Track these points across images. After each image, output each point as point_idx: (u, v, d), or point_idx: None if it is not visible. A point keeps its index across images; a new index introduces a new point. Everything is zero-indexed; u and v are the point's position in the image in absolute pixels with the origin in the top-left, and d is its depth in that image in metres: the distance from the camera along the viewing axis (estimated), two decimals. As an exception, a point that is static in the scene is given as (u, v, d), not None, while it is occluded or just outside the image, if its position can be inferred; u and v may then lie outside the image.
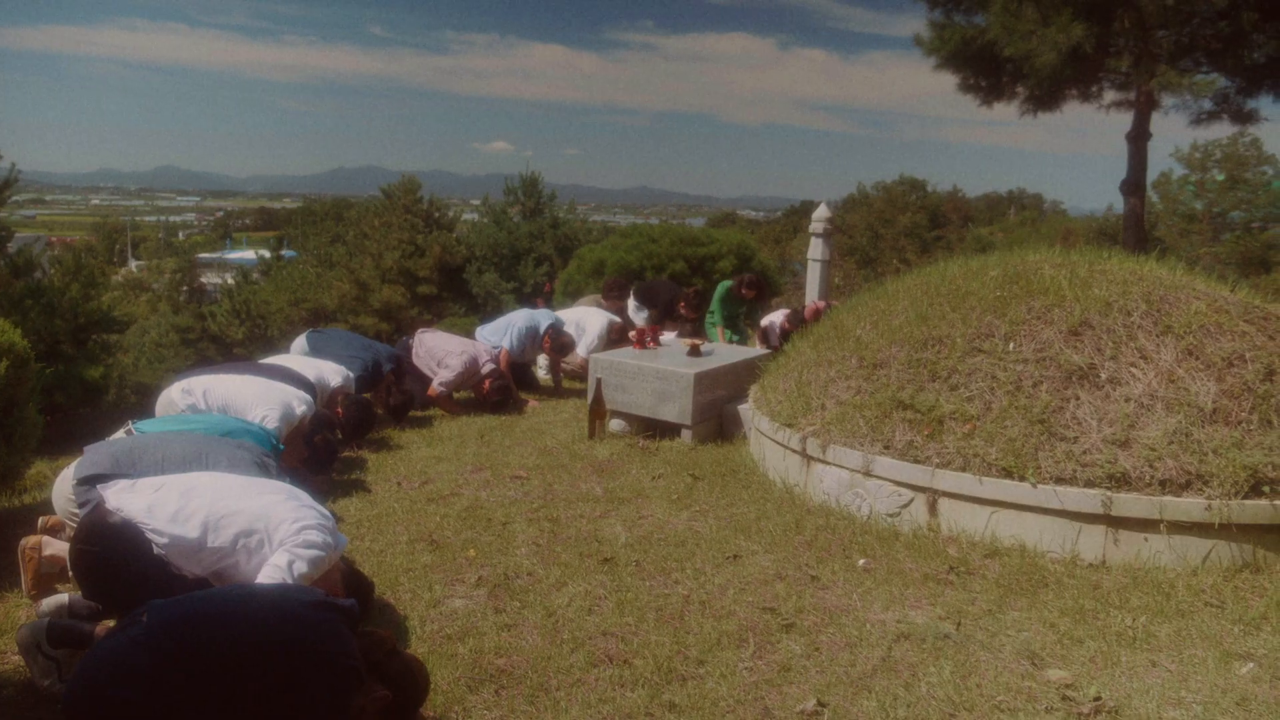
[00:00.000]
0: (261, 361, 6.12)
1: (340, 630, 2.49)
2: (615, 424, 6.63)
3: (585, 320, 8.72)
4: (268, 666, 2.34)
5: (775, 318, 9.98)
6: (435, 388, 7.27)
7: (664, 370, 6.40)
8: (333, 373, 5.99)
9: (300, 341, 6.99)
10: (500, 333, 8.01)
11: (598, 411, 6.53)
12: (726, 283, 10.14)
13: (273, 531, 3.14)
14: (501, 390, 7.36)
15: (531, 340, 8.09)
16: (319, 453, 5.16)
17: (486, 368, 7.40)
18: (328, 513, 3.36)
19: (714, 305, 9.96)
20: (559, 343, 8.08)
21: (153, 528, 3.05)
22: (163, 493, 3.16)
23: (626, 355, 6.86)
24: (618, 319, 8.80)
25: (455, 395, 7.47)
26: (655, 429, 6.50)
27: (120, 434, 4.25)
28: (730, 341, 9.78)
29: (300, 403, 4.98)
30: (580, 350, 8.49)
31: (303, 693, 2.35)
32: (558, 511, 4.88)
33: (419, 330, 7.86)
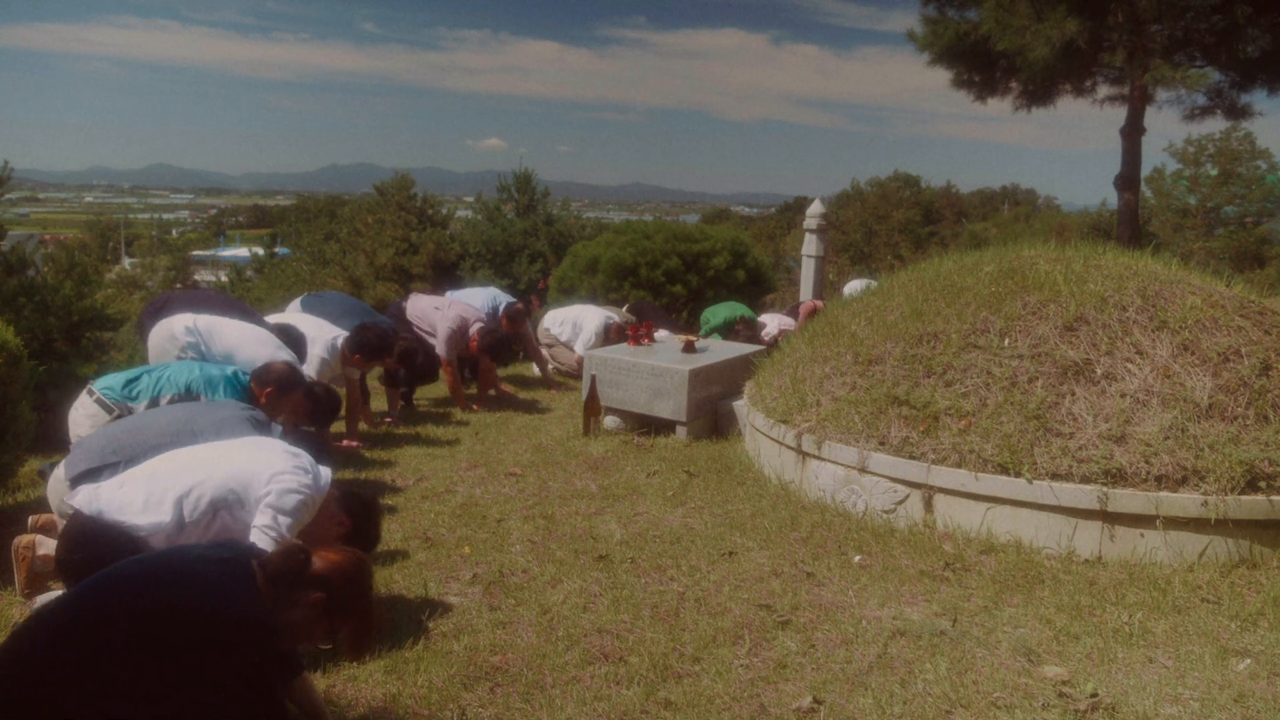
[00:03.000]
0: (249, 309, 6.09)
1: (229, 582, 2.42)
2: (610, 421, 6.61)
3: (582, 318, 8.72)
4: (146, 634, 2.27)
5: (771, 328, 9.96)
6: (444, 356, 7.33)
7: (658, 367, 6.38)
8: (322, 344, 5.89)
9: (295, 303, 6.99)
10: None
11: (592, 408, 6.52)
12: (733, 314, 9.74)
13: (247, 493, 3.13)
14: (490, 335, 7.38)
15: (491, 319, 8.19)
16: (320, 403, 5.01)
17: (475, 327, 7.43)
18: (300, 452, 3.32)
19: (714, 321, 9.75)
20: (513, 312, 8.18)
21: (130, 523, 3.04)
22: (128, 488, 3.15)
23: (621, 352, 6.84)
24: (616, 317, 8.78)
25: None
26: (650, 426, 6.48)
27: (84, 397, 4.24)
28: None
29: (285, 352, 5.00)
30: (578, 347, 8.49)
31: (199, 653, 2.28)
32: (552, 509, 4.86)
33: (412, 294, 7.93)
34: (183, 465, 3.24)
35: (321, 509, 3.34)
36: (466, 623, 3.49)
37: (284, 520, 3.11)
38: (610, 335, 8.54)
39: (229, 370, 4.51)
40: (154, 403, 4.28)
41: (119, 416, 4.20)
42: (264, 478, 3.17)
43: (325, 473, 3.36)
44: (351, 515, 3.42)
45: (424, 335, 7.47)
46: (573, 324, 8.74)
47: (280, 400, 4.56)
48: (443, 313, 7.37)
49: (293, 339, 5.48)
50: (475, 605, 3.65)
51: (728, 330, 9.59)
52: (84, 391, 4.32)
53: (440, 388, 8.28)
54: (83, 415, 4.27)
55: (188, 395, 4.31)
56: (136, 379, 4.34)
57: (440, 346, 7.30)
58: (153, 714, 2.21)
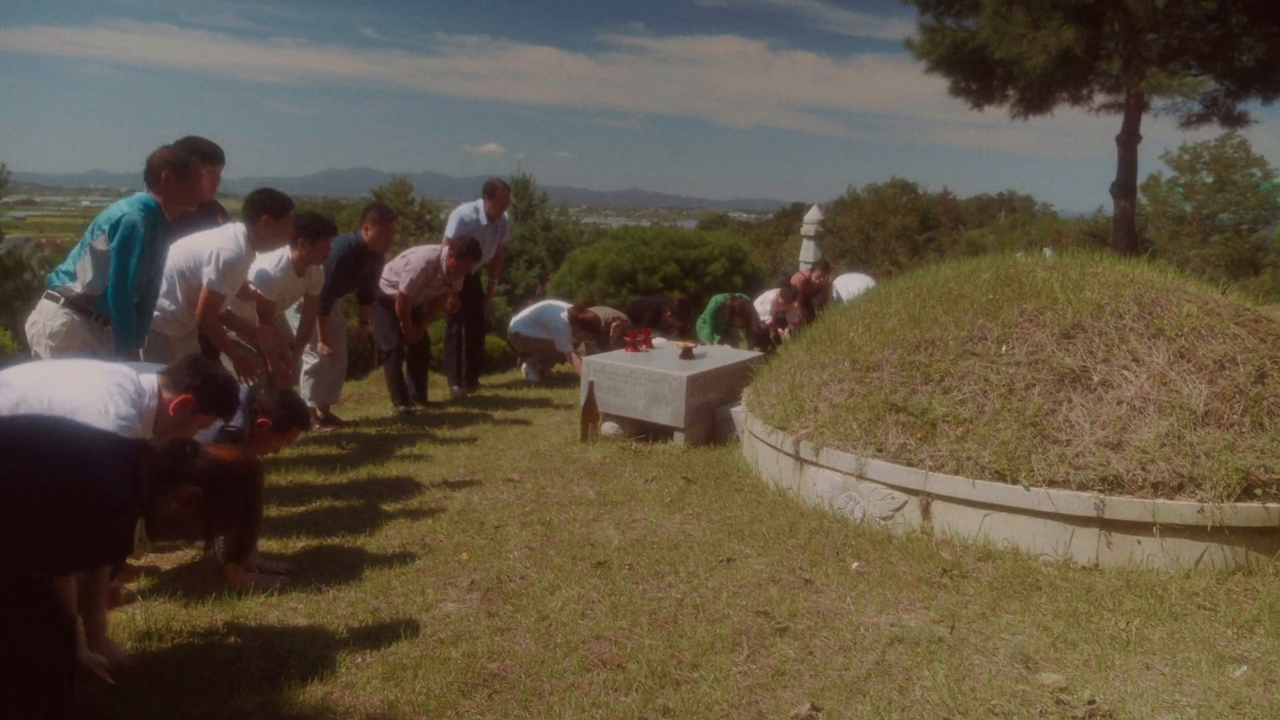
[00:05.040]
0: None
1: (111, 460, 2.44)
2: (608, 427, 6.61)
3: (546, 315, 9.06)
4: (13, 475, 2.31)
5: (768, 295, 10.39)
6: (401, 290, 7.30)
7: (657, 373, 6.39)
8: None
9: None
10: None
11: (590, 414, 6.52)
12: (721, 298, 10.38)
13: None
14: (460, 241, 7.47)
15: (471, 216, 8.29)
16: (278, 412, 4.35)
17: (444, 250, 7.51)
18: (116, 368, 3.20)
19: (706, 315, 10.12)
20: (490, 188, 8.29)
21: None
22: None
23: (619, 358, 6.85)
24: (571, 306, 9.19)
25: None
26: (648, 432, 6.49)
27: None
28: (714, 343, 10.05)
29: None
30: (559, 340, 8.91)
31: (50, 510, 2.31)
32: (550, 515, 4.86)
33: None
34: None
35: (159, 407, 3.22)
36: (464, 629, 3.49)
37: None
38: (575, 320, 8.93)
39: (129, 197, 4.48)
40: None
41: (65, 304, 4.23)
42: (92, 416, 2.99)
43: (147, 381, 3.22)
44: (187, 388, 3.21)
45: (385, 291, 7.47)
46: (541, 323, 9.02)
47: (180, 181, 4.43)
48: (410, 260, 7.42)
49: None
50: (473, 612, 3.65)
51: (719, 316, 9.94)
52: None
53: (441, 391, 8.28)
54: (36, 313, 4.31)
55: (108, 233, 4.26)
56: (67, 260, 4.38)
57: (403, 283, 7.28)
58: None
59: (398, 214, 6.76)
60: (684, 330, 10.17)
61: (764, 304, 10.66)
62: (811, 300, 10.87)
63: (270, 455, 4.87)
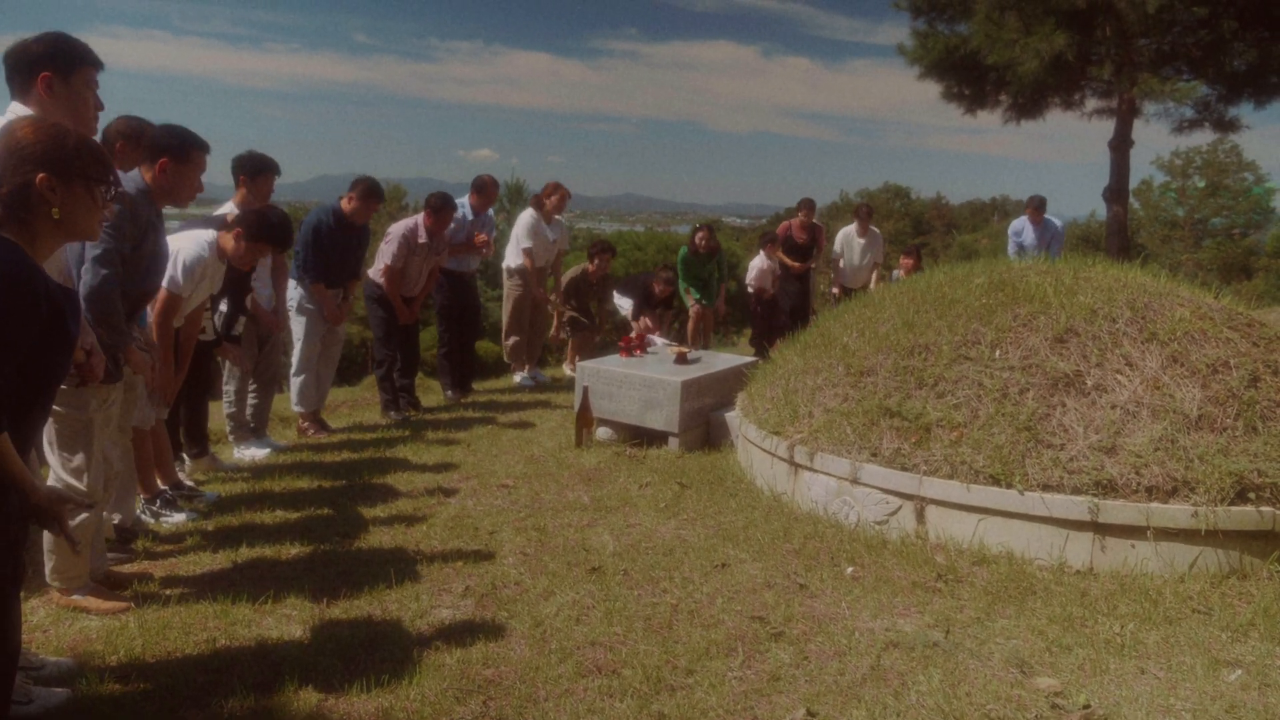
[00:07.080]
0: None
1: None
2: (602, 432, 6.61)
3: (517, 223, 8.93)
4: None
5: (755, 262, 10.63)
6: (386, 263, 7.27)
7: (651, 378, 6.38)
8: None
9: None
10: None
11: (585, 419, 6.52)
12: (683, 249, 10.62)
13: None
14: (433, 198, 7.42)
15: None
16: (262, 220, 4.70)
17: (419, 216, 7.48)
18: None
19: (679, 273, 10.40)
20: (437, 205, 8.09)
21: None
22: None
23: (613, 363, 6.84)
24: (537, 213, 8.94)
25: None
26: (642, 437, 6.48)
27: None
28: (699, 304, 10.42)
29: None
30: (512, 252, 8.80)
31: None
32: (545, 520, 4.85)
33: None
34: None
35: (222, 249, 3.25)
36: (459, 636, 3.48)
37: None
38: (547, 195, 8.79)
39: None
40: None
41: None
42: None
43: (208, 235, 3.20)
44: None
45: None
46: (514, 237, 8.91)
47: (135, 151, 4.25)
48: (389, 236, 7.41)
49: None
50: (467, 618, 3.64)
51: (691, 261, 10.37)
52: None
53: (435, 396, 8.26)
54: None
55: None
56: None
57: (386, 252, 7.29)
58: None
59: (384, 196, 6.74)
60: (672, 300, 10.30)
61: (751, 272, 10.90)
62: (812, 249, 11.02)
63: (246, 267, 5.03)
